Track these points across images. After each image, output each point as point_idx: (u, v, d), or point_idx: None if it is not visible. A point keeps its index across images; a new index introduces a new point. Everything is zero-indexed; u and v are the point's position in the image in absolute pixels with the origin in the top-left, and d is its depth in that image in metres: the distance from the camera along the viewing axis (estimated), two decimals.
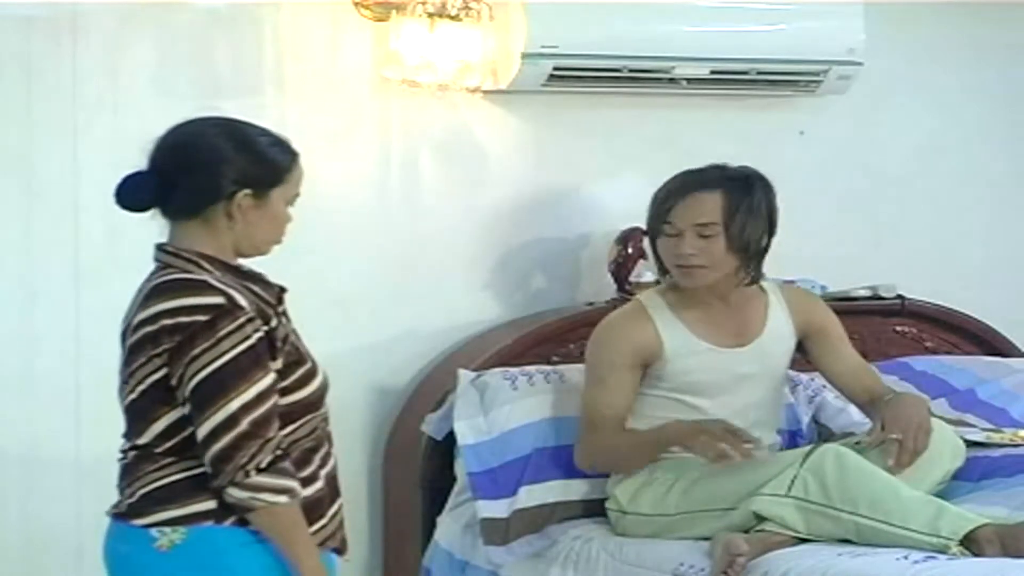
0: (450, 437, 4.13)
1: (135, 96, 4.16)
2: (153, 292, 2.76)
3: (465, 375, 4.14)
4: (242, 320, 2.71)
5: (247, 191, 2.80)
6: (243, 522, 2.74)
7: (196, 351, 2.68)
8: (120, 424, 2.84)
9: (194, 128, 2.86)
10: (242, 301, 2.73)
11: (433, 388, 4.35)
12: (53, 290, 4.13)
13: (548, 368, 4.21)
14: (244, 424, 2.68)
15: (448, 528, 4.12)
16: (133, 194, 2.82)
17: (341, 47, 4.36)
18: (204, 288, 2.73)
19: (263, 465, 2.69)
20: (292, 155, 2.88)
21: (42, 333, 4.13)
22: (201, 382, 2.68)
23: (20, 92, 4.09)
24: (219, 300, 2.71)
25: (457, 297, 4.52)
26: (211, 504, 2.73)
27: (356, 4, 4.34)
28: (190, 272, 2.77)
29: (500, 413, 4.04)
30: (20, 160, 4.10)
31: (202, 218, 2.81)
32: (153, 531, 2.73)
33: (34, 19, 4.08)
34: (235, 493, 2.69)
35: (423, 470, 4.24)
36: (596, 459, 3.89)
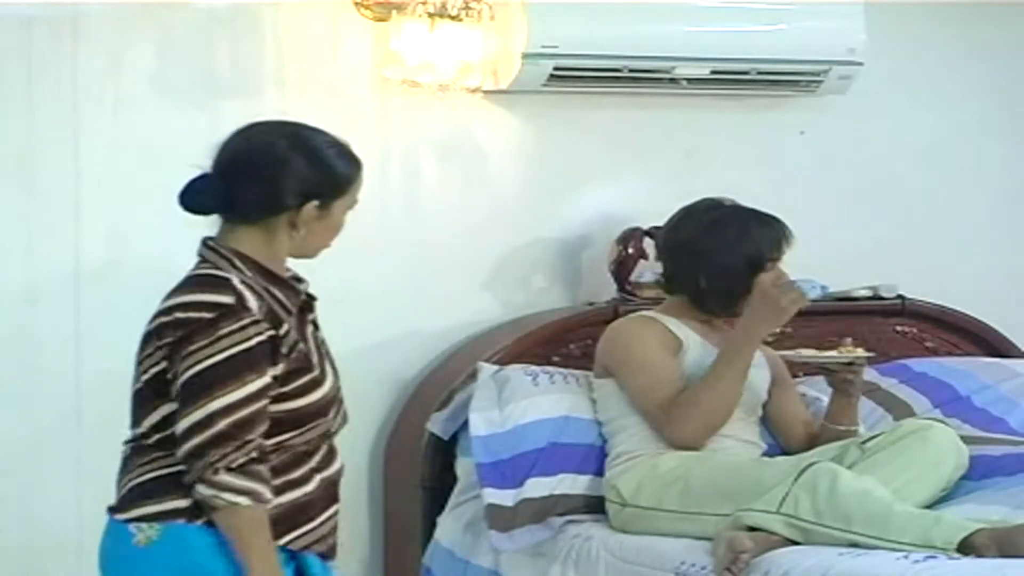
0: (454, 437, 4.14)
1: (135, 96, 4.16)
2: (180, 284, 2.78)
3: (486, 368, 4.15)
4: (246, 321, 2.71)
5: (315, 202, 2.81)
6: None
7: (193, 347, 2.69)
8: (121, 423, 2.84)
9: (263, 136, 2.84)
10: (252, 303, 2.74)
11: (434, 388, 4.34)
12: (53, 290, 4.13)
13: (566, 371, 4.21)
14: (221, 424, 2.68)
15: (449, 527, 4.12)
16: (198, 198, 2.81)
17: (341, 47, 4.36)
18: (221, 286, 2.74)
19: (234, 466, 2.68)
20: (357, 165, 2.89)
21: (42, 333, 4.13)
22: (191, 378, 2.69)
23: (20, 92, 4.08)
24: (228, 299, 2.72)
25: (457, 297, 4.51)
26: (185, 502, 2.73)
27: (356, 4, 4.33)
28: (219, 269, 2.78)
29: (517, 407, 4.04)
30: (20, 160, 4.10)
31: (262, 224, 2.81)
32: (131, 527, 2.75)
33: (34, 19, 4.07)
34: (201, 490, 2.70)
35: (423, 470, 4.24)
36: (696, 426, 3.84)
